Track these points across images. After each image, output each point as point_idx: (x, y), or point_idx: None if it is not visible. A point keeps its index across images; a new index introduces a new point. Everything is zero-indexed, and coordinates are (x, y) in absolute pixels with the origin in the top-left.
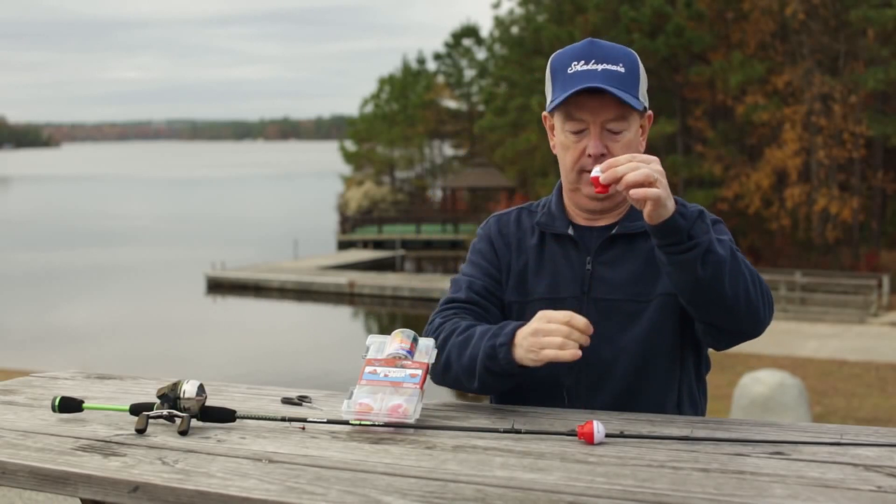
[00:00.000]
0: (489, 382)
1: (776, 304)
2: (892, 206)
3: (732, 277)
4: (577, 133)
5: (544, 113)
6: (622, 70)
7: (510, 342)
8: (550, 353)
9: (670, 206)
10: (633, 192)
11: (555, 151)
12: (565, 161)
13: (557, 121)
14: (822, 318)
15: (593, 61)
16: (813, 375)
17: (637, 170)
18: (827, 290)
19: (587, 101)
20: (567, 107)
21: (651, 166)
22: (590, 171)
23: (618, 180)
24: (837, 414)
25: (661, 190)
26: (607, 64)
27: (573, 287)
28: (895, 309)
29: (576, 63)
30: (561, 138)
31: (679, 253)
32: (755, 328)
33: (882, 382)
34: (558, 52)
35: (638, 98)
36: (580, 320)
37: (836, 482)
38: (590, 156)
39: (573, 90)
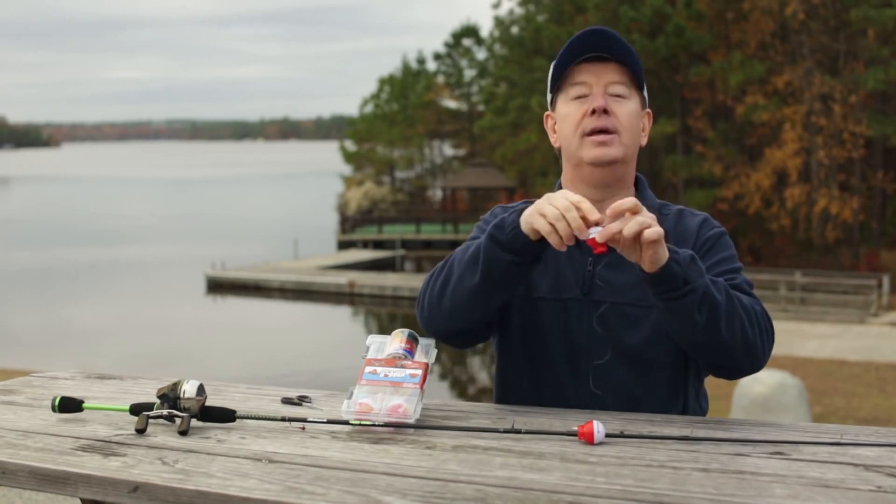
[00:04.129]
0: (492, 261)
1: (776, 305)
2: (892, 206)
3: (728, 320)
4: (579, 98)
5: (547, 112)
6: (624, 43)
7: (519, 211)
8: (540, 221)
9: (666, 251)
10: (646, 233)
11: (556, 146)
12: (567, 129)
13: (560, 99)
14: (822, 318)
15: (594, 32)
16: (813, 375)
17: (632, 220)
18: (827, 290)
19: (590, 65)
20: (569, 76)
21: (642, 213)
22: (591, 134)
23: (615, 238)
24: (837, 414)
25: (660, 228)
26: (607, 38)
27: (575, 289)
28: (895, 309)
29: (576, 39)
30: (563, 111)
31: (675, 299)
32: (753, 365)
33: (882, 382)
34: None
35: (640, 66)
36: (588, 206)
37: (836, 482)
38: (593, 112)
39: (576, 35)
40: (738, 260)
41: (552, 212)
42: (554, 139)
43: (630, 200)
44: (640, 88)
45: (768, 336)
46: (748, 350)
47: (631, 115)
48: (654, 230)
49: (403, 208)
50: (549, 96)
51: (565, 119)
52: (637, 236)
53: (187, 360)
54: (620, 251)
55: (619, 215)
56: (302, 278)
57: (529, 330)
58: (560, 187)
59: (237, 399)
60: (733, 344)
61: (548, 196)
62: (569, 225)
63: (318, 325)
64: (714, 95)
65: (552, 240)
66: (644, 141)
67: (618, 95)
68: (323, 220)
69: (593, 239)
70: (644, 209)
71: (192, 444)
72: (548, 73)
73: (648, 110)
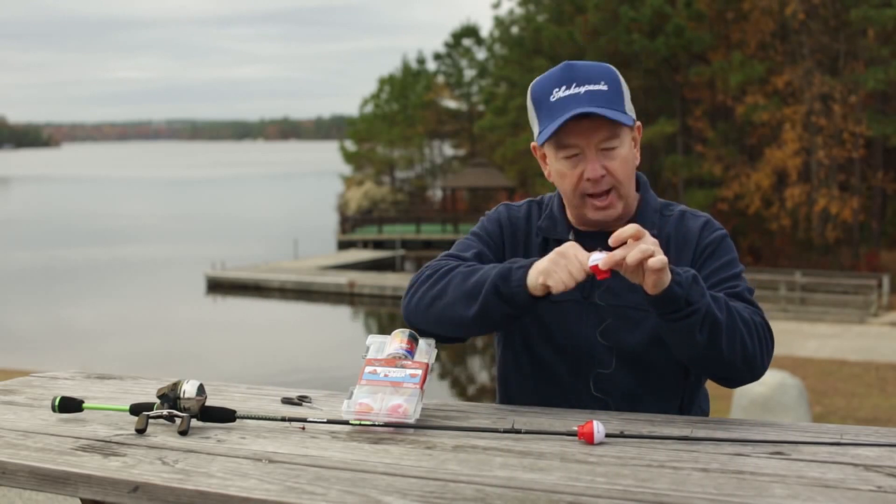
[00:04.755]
0: (490, 307)
1: (776, 305)
2: (892, 206)
3: (729, 336)
4: (571, 158)
5: (533, 143)
6: (605, 88)
7: (528, 266)
8: (555, 281)
9: (668, 274)
10: (650, 261)
11: (550, 179)
12: (564, 188)
13: (549, 150)
14: (822, 318)
15: (574, 84)
16: (813, 375)
17: (635, 248)
18: (827, 290)
19: (577, 126)
20: (557, 136)
21: (645, 239)
22: (591, 195)
23: (618, 264)
24: (837, 414)
25: (663, 257)
26: (589, 85)
27: (573, 291)
28: (895, 309)
29: (557, 90)
30: (556, 166)
31: (678, 320)
32: (753, 376)
33: (882, 382)
34: (537, 80)
35: (626, 113)
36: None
37: (836, 482)
38: (588, 180)
39: (561, 120)
40: (739, 262)
41: (567, 279)
42: (547, 172)
43: (632, 227)
44: (628, 120)
45: (768, 347)
46: (748, 362)
47: (625, 161)
48: (658, 259)
49: (403, 208)
50: (534, 130)
51: (562, 177)
52: (640, 263)
53: (187, 360)
54: (623, 274)
55: (622, 242)
56: (302, 278)
57: (530, 332)
58: (560, 195)
59: (237, 399)
60: (733, 359)
61: (563, 256)
62: (579, 276)
63: (318, 325)
64: (714, 95)
65: (557, 290)
66: (637, 157)
67: (609, 149)
68: (323, 220)
69: (596, 265)
70: (647, 234)
71: (192, 444)
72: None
73: (639, 123)
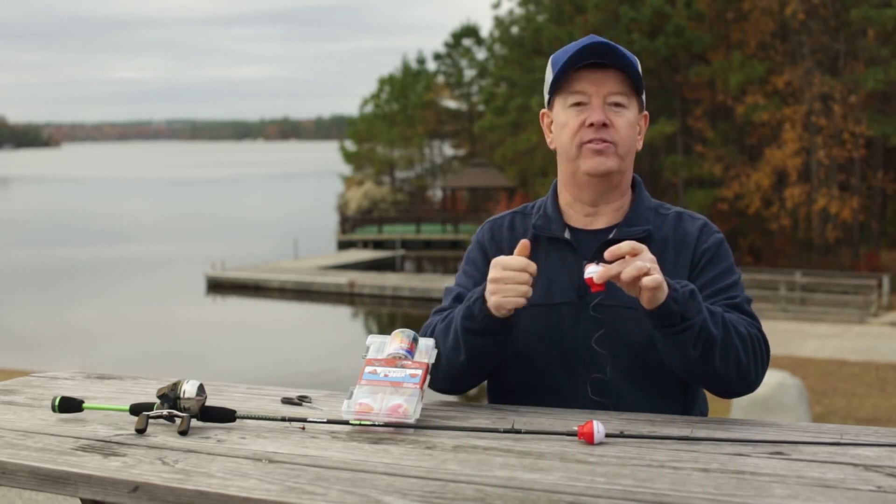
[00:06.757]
0: (473, 345)
1: (776, 305)
2: (892, 206)
3: (724, 352)
4: (577, 106)
5: (543, 110)
6: (624, 52)
7: (482, 297)
8: (501, 300)
9: (664, 290)
10: (644, 280)
11: (552, 147)
12: (564, 137)
13: (558, 102)
14: (822, 318)
15: (595, 43)
16: (813, 375)
17: (631, 264)
18: (827, 290)
19: (589, 73)
20: (568, 82)
21: (642, 256)
22: (589, 142)
23: (614, 279)
24: (837, 414)
25: (658, 275)
26: (609, 47)
27: (569, 292)
28: (895, 309)
29: (577, 49)
30: (561, 118)
31: (673, 334)
32: (746, 389)
33: (882, 382)
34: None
35: (640, 74)
36: (532, 266)
37: (836, 482)
38: (591, 125)
39: (577, 47)
40: (737, 266)
41: (515, 297)
42: (550, 139)
43: (628, 244)
44: (638, 94)
45: (763, 360)
46: (742, 377)
47: (628, 125)
48: (653, 279)
49: (403, 208)
50: (546, 95)
51: (563, 126)
52: (636, 279)
53: (187, 360)
54: (619, 286)
55: (618, 257)
56: (302, 278)
57: (522, 338)
58: (556, 190)
59: (237, 399)
60: (727, 373)
61: (496, 280)
62: (524, 284)
63: (318, 325)
64: (714, 95)
65: (517, 306)
66: (640, 144)
67: (616, 104)
68: (323, 220)
69: (591, 279)
70: (644, 250)
71: (192, 444)
72: (545, 70)
73: (646, 112)
